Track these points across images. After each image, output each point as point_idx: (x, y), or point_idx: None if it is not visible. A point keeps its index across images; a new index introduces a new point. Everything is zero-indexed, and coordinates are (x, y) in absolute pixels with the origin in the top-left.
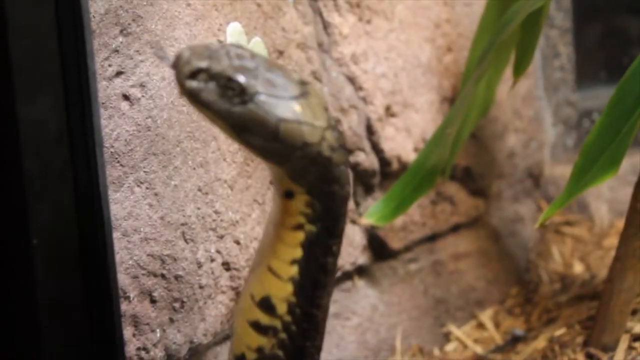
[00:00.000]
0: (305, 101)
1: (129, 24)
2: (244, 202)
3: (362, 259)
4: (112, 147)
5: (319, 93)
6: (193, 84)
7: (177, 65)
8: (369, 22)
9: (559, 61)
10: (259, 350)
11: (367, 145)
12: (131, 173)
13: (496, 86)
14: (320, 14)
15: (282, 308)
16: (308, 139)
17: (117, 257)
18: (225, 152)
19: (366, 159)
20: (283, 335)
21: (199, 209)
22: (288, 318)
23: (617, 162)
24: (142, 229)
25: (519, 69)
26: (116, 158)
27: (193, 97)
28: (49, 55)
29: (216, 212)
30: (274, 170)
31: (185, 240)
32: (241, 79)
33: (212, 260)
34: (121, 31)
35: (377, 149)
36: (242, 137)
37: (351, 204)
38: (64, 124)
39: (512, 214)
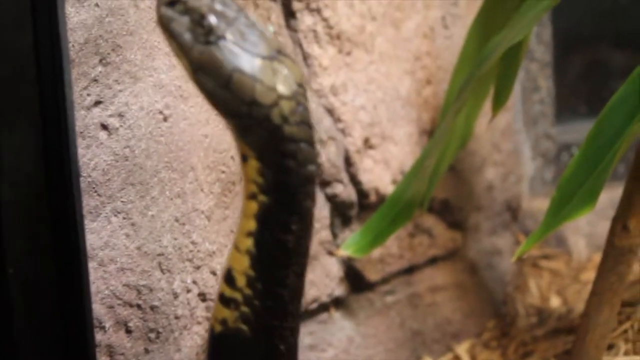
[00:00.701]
0: (270, 63)
1: (109, 54)
2: (221, 232)
3: (339, 290)
4: (90, 176)
5: (294, 67)
6: (168, 12)
7: None
8: (349, 54)
9: (539, 95)
10: (223, 322)
11: (345, 177)
12: (108, 203)
13: (475, 119)
14: (300, 45)
15: (241, 280)
16: (258, 98)
17: (93, 287)
18: (202, 183)
19: (344, 191)
20: (245, 309)
21: (175, 239)
22: (248, 291)
23: (595, 196)
24: (118, 259)
25: (498, 103)
26: (93, 188)
27: (164, 25)
28: (26, 83)
29: (193, 242)
30: (229, 127)
31: (162, 271)
32: (212, 19)
33: (189, 291)
34: (100, 60)
35: (355, 181)
36: (197, 77)
37: (328, 235)
38: (40, 152)
39: (490, 247)
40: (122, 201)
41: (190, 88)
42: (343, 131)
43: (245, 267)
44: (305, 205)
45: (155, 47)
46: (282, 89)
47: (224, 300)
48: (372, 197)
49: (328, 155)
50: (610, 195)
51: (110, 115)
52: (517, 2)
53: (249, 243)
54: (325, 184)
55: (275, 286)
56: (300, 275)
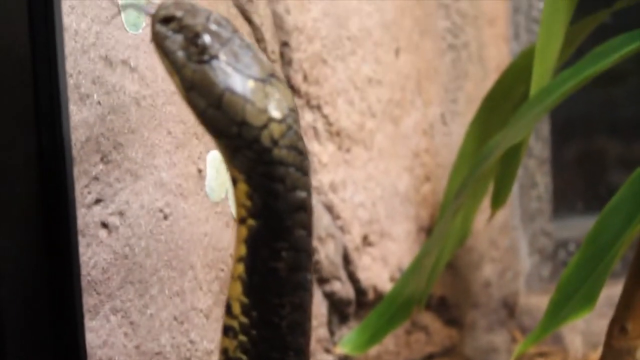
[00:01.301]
0: (262, 85)
1: (110, 152)
2: (220, 331)
3: None
4: (89, 275)
5: (286, 91)
6: (162, 29)
7: (156, 9)
8: (348, 150)
9: (537, 191)
10: (225, 351)
11: (343, 274)
12: (107, 301)
13: (473, 218)
14: None
15: (236, 308)
16: (249, 119)
17: None
18: (201, 282)
19: (342, 288)
20: (243, 338)
21: (174, 338)
22: (244, 319)
23: (594, 298)
24: (117, 358)
25: (497, 202)
26: (92, 286)
27: (158, 41)
28: (29, 180)
29: (191, 341)
30: (219, 149)
31: None
32: (206, 38)
33: None
34: (101, 159)
35: (353, 279)
36: (189, 95)
37: (326, 333)
38: (42, 251)
39: (486, 344)
40: (121, 300)
41: (190, 186)
42: (342, 228)
43: (239, 294)
44: (296, 234)
45: (156, 145)
46: (273, 111)
47: (224, 329)
48: (370, 295)
49: (327, 253)
50: (607, 293)
51: (111, 214)
52: (516, 101)
53: (240, 269)
54: (323, 281)
55: (271, 315)
56: (301, 310)
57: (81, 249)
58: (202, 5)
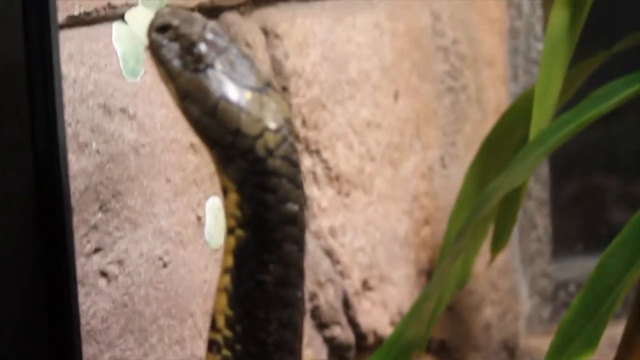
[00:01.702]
0: (258, 95)
1: (109, 200)
2: None
3: None
4: (89, 324)
5: (283, 102)
6: (158, 37)
7: (153, 17)
8: (347, 195)
9: (536, 233)
10: None
11: (343, 319)
12: (107, 351)
13: (474, 261)
14: None
15: (220, 321)
16: (243, 129)
17: None
18: (201, 329)
19: (342, 333)
20: (227, 353)
21: None
22: (228, 333)
23: (595, 342)
24: None
25: (497, 246)
26: (92, 335)
27: (153, 49)
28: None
29: None
30: (212, 158)
31: None
32: (202, 47)
33: None
34: (100, 207)
35: (353, 323)
36: (184, 104)
37: None
38: (44, 301)
39: None
40: (120, 349)
41: (189, 234)
42: (341, 273)
43: (223, 306)
44: (286, 248)
45: (155, 193)
46: (269, 121)
47: (208, 343)
48: (370, 339)
49: (326, 298)
50: (608, 333)
51: (110, 263)
52: (515, 144)
53: (226, 280)
54: (323, 326)
55: (256, 330)
56: (289, 328)
57: (80, 299)
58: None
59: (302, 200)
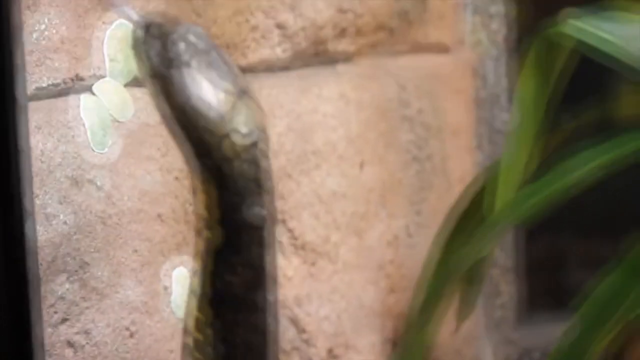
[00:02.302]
0: (232, 98)
1: (76, 271)
2: None
3: None
4: None
5: (257, 110)
6: (141, 33)
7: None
8: (313, 264)
9: (500, 299)
10: None
11: None
12: None
13: (439, 330)
14: None
15: (189, 323)
16: (211, 127)
17: None
18: None
19: None
20: (198, 356)
21: None
22: (198, 336)
23: None
24: None
25: (462, 315)
26: None
27: (135, 47)
28: None
29: None
30: (183, 156)
31: None
32: (181, 46)
33: None
34: (67, 278)
35: None
36: (157, 100)
37: None
38: None
39: None
40: None
41: (156, 303)
42: (307, 342)
43: (192, 308)
44: (253, 251)
45: (122, 263)
46: (238, 124)
47: (182, 346)
48: None
49: None
50: None
51: (77, 333)
52: (481, 215)
53: (194, 283)
54: None
55: (225, 333)
56: (258, 332)
57: None
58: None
59: (271, 207)
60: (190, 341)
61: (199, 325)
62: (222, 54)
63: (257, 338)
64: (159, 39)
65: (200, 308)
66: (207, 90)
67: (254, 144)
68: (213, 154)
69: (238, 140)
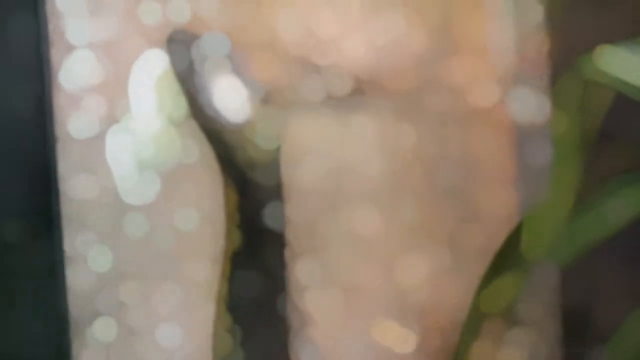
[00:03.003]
0: (253, 107)
1: (114, 313)
2: None
3: None
4: None
5: (276, 119)
6: (173, 46)
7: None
8: (346, 301)
9: (543, 338)
10: None
11: None
12: None
13: None
14: None
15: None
16: (231, 132)
17: None
18: None
19: None
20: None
21: None
22: (219, 342)
23: None
24: None
25: (501, 355)
26: None
27: (169, 57)
28: None
29: None
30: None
31: None
32: (203, 53)
33: None
34: (105, 320)
35: None
36: (191, 105)
37: None
38: None
39: None
40: None
41: (193, 345)
42: None
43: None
44: (272, 257)
45: (159, 304)
46: (259, 132)
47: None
48: None
49: None
50: None
51: None
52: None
53: (224, 290)
54: None
55: (245, 339)
56: (279, 340)
57: None
58: None
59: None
60: (213, 347)
61: (218, 330)
62: (245, 63)
63: (276, 344)
64: (189, 50)
65: (219, 314)
66: (228, 97)
67: (275, 152)
68: (234, 159)
69: (259, 147)
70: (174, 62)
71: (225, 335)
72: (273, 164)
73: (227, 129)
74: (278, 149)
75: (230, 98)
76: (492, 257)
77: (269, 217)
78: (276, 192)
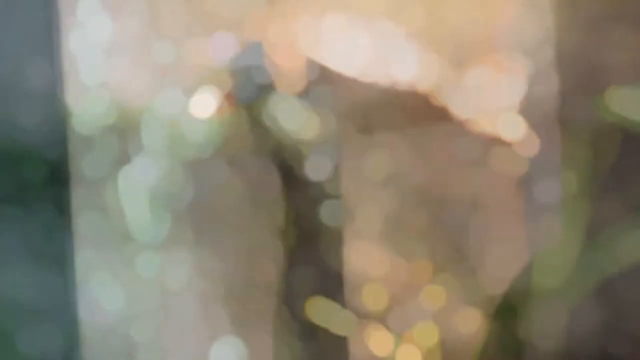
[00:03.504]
0: (299, 106)
1: (127, 354)
2: None
3: None
4: None
5: (325, 119)
6: (236, 80)
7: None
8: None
9: None
10: None
11: None
12: None
13: None
14: None
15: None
16: (280, 130)
17: None
18: None
19: None
20: None
21: None
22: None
23: None
24: None
25: None
26: None
27: (233, 89)
28: None
29: None
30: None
31: None
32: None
33: None
34: None
35: None
36: (252, 124)
37: None
38: None
39: None
40: None
41: None
42: None
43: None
44: (327, 252)
45: (173, 345)
46: (307, 129)
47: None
48: None
49: None
50: None
51: None
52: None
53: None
54: None
55: (305, 335)
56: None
57: None
58: None
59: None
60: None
61: (278, 326)
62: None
63: (334, 340)
64: (248, 83)
65: (277, 310)
66: (285, 118)
67: (324, 148)
68: (285, 156)
69: (307, 143)
70: (241, 90)
71: (283, 332)
72: (325, 155)
73: (291, 145)
74: (329, 141)
75: (289, 115)
76: (502, 296)
77: (326, 209)
78: (333, 184)
